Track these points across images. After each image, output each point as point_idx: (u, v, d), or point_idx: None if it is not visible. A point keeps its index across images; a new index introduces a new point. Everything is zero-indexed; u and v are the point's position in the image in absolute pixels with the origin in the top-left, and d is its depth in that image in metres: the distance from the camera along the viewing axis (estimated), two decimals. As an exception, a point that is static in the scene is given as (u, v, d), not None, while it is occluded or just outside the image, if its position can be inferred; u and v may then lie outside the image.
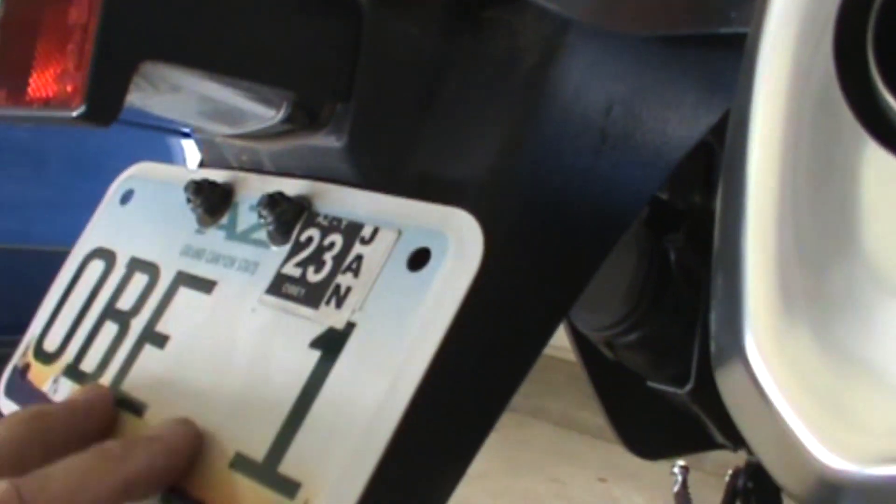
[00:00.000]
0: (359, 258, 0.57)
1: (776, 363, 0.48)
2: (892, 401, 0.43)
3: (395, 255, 0.56)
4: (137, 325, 0.68)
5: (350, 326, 0.55)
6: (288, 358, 0.57)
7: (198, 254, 0.68)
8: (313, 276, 0.59)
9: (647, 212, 1.06)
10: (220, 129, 0.68)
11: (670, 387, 1.08)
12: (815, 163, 0.50)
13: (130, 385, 0.65)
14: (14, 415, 0.57)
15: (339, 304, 0.56)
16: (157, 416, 0.61)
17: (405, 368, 0.51)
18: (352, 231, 0.59)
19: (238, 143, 0.70)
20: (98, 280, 0.74)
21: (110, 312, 0.71)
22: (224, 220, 0.68)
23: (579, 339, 1.12)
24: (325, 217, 0.61)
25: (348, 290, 0.57)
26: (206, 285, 0.65)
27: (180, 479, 0.57)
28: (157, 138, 4.13)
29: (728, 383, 0.53)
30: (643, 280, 1.03)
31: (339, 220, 0.60)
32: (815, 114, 0.50)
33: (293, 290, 0.60)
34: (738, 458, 1.34)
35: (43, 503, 0.49)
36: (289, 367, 0.56)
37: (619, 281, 1.03)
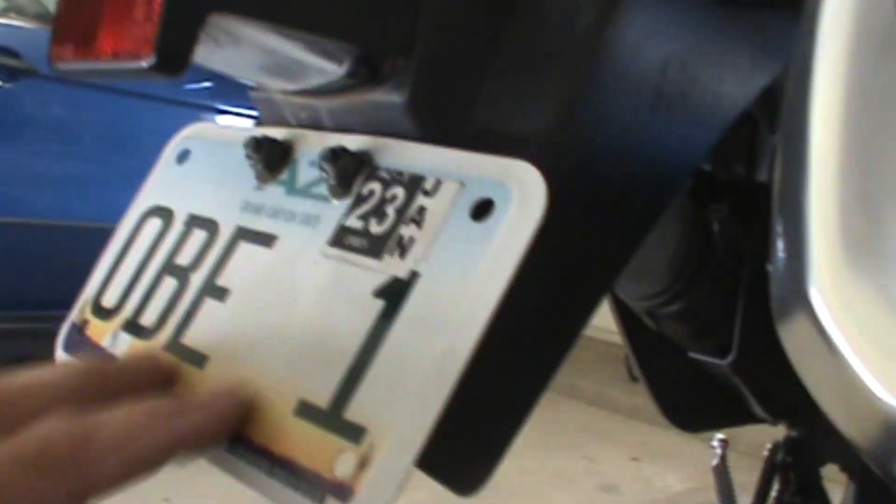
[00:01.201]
0: (421, 210, 0.58)
1: (841, 312, 0.49)
2: None
3: (458, 206, 0.56)
4: (197, 279, 0.68)
5: (414, 276, 0.56)
6: (351, 307, 0.57)
7: (257, 209, 0.68)
8: (376, 228, 0.60)
9: (690, 183, 1.06)
10: (282, 85, 0.68)
11: (712, 358, 1.09)
12: (879, 109, 0.50)
13: (191, 338, 0.66)
14: (71, 363, 0.58)
15: (402, 255, 0.57)
16: (217, 368, 0.62)
17: (469, 316, 0.51)
18: (413, 184, 0.60)
19: (297, 100, 0.70)
20: (156, 237, 0.75)
21: (169, 268, 0.71)
22: (284, 175, 0.69)
23: (621, 309, 1.13)
24: (387, 170, 0.62)
25: (411, 240, 0.57)
26: (266, 239, 0.66)
27: (244, 429, 0.58)
28: (193, 115, 4.15)
29: (791, 333, 0.54)
30: (686, 251, 1.03)
31: (401, 174, 0.61)
32: (880, 59, 0.50)
33: (356, 241, 0.60)
34: (776, 435, 1.34)
35: (91, 449, 0.50)
36: (352, 316, 0.57)
37: (662, 251, 1.03)
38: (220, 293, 0.66)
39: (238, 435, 0.58)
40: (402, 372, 0.53)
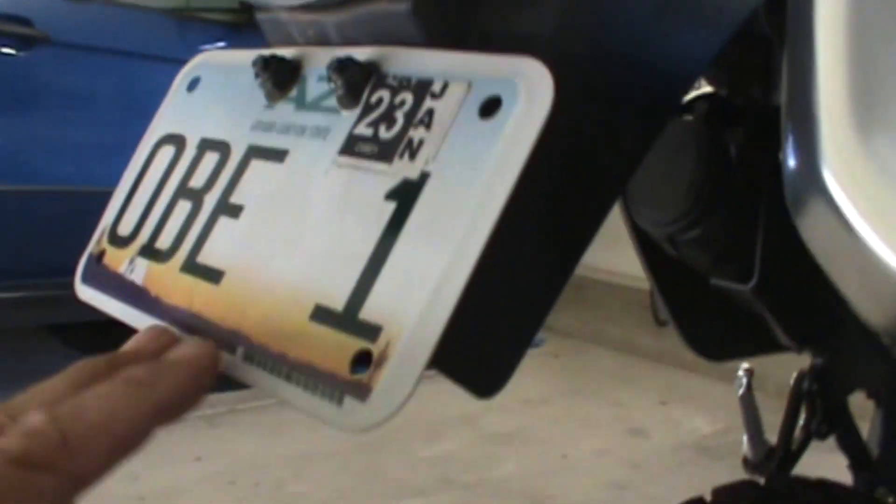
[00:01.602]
0: (430, 112, 0.58)
1: (855, 192, 0.49)
2: None
3: (466, 105, 0.56)
4: (211, 199, 0.68)
5: (424, 176, 0.56)
6: (364, 211, 0.57)
7: (268, 127, 0.68)
8: (385, 134, 0.60)
9: (706, 107, 1.05)
10: (288, 1, 0.68)
11: (734, 284, 1.08)
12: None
13: (206, 256, 0.66)
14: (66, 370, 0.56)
15: (412, 157, 0.57)
16: (233, 282, 0.63)
17: (480, 211, 0.51)
18: (422, 88, 0.59)
19: (304, 17, 0.70)
20: (169, 164, 0.75)
21: (183, 192, 0.72)
22: (293, 92, 0.69)
23: (642, 239, 1.12)
24: (395, 77, 0.62)
25: (421, 142, 0.57)
26: (278, 155, 0.66)
27: (259, 335, 0.58)
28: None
29: (808, 220, 0.54)
30: (704, 175, 1.03)
31: (409, 79, 0.61)
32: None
33: (366, 148, 0.60)
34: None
35: (81, 431, 0.48)
36: (365, 219, 0.57)
37: (679, 176, 1.02)
38: (235, 210, 0.66)
39: (255, 343, 0.58)
40: (417, 270, 0.53)
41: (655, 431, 3.96)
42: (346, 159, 0.61)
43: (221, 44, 4.32)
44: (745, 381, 1.54)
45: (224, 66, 0.78)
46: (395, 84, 0.61)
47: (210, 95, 0.77)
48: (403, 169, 0.57)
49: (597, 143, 0.63)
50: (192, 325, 0.63)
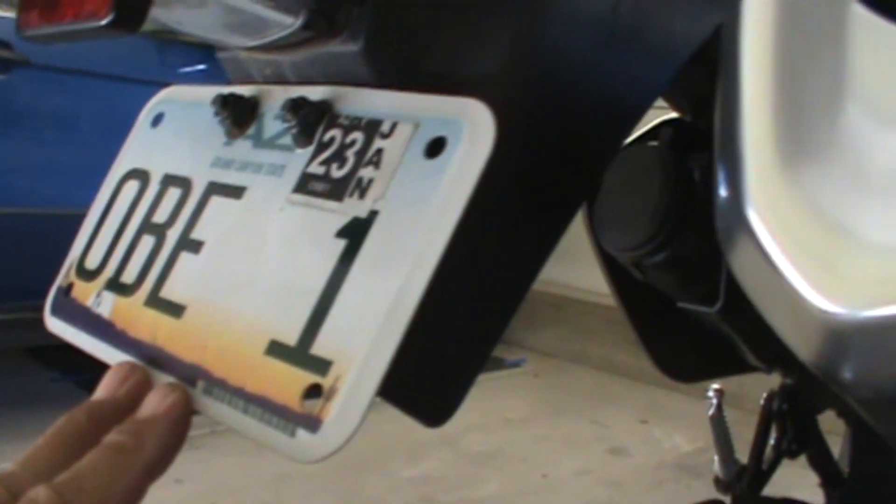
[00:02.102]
0: (379, 151, 0.60)
1: (777, 230, 0.51)
2: (874, 258, 0.46)
3: (413, 145, 0.58)
4: (173, 235, 0.70)
5: (373, 214, 0.58)
6: (316, 248, 0.59)
7: (227, 164, 0.70)
8: (337, 172, 0.62)
9: (671, 133, 1.07)
10: (242, 41, 0.70)
11: (700, 306, 1.10)
12: (805, 45, 0.52)
13: (168, 291, 0.68)
14: (49, 431, 0.59)
15: (361, 195, 0.59)
16: (194, 317, 0.64)
17: (425, 248, 0.53)
18: (372, 127, 0.62)
19: (261, 56, 0.72)
20: (134, 199, 0.77)
21: (147, 227, 0.73)
22: (251, 130, 0.71)
23: (608, 262, 1.14)
24: (347, 117, 0.64)
25: (370, 181, 0.59)
26: (236, 191, 0.68)
27: (218, 369, 0.60)
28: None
29: (737, 257, 0.56)
30: (669, 200, 1.04)
31: (360, 119, 0.63)
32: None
33: (318, 186, 0.62)
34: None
35: (83, 502, 0.51)
36: (317, 257, 0.59)
37: (645, 201, 1.04)
38: (195, 246, 0.68)
39: (214, 379, 0.60)
40: (364, 306, 0.55)
41: (636, 450, 3.97)
42: (299, 197, 0.63)
43: (201, 66, 4.33)
44: (715, 401, 1.56)
45: (187, 103, 0.80)
46: (347, 123, 0.63)
47: (173, 131, 0.79)
48: (353, 207, 0.59)
49: (546, 177, 0.65)
50: (156, 358, 0.65)
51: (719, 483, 1.55)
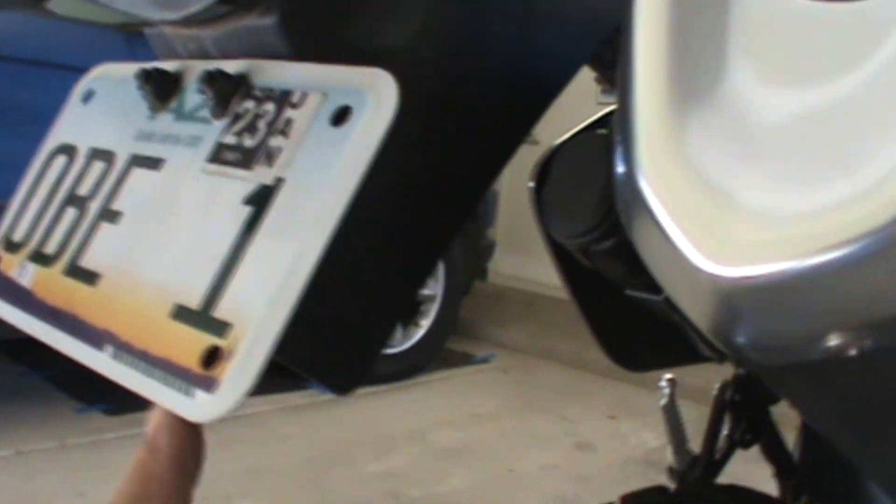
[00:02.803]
0: (288, 121, 0.61)
1: (668, 200, 0.52)
2: (750, 223, 0.47)
3: (320, 114, 0.59)
4: (94, 206, 0.71)
5: (279, 181, 0.59)
6: (224, 215, 0.60)
7: (149, 137, 0.71)
8: (248, 142, 0.63)
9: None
10: (165, 15, 0.71)
11: (647, 294, 1.10)
12: (693, 30, 0.54)
13: (86, 260, 0.69)
14: None
15: (269, 163, 0.60)
16: (108, 284, 0.65)
17: (324, 213, 0.54)
18: (283, 98, 0.62)
19: (184, 32, 0.73)
20: (60, 173, 0.77)
21: (71, 200, 0.74)
22: (173, 104, 0.72)
23: (556, 249, 1.14)
24: (261, 89, 0.65)
25: (278, 149, 0.60)
26: (155, 163, 0.69)
27: (125, 333, 0.61)
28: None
29: (634, 228, 0.57)
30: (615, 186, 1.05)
31: (273, 91, 0.64)
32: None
33: (231, 156, 0.63)
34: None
35: None
36: (224, 224, 0.60)
37: (591, 188, 1.05)
38: (114, 216, 0.69)
39: (119, 342, 0.61)
40: (264, 270, 0.55)
41: (603, 446, 3.99)
42: (213, 166, 0.64)
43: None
44: (667, 391, 1.56)
45: (117, 79, 0.80)
46: (261, 95, 0.64)
47: (102, 107, 0.80)
48: (261, 175, 0.60)
49: (460, 149, 0.66)
50: (70, 325, 0.66)
51: (672, 472, 1.56)
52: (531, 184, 1.03)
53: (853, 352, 0.50)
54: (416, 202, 0.64)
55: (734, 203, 0.49)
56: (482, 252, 5.21)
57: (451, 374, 4.93)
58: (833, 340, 0.49)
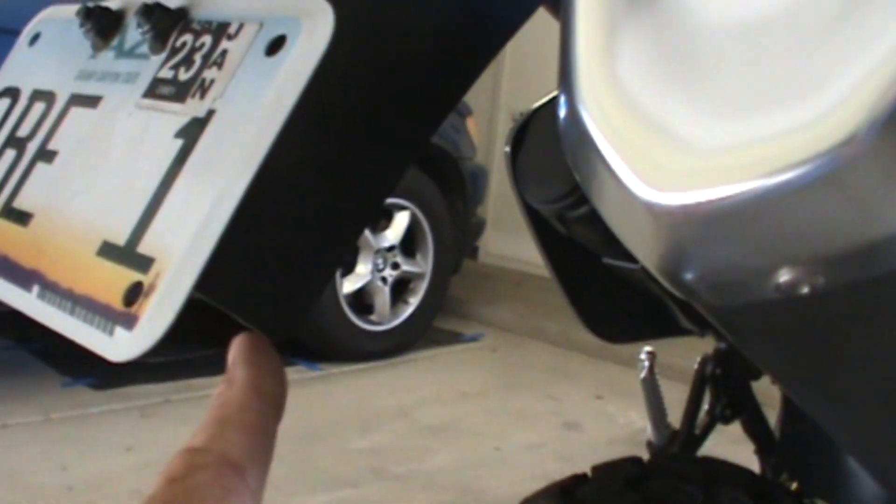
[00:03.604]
0: (224, 52, 0.58)
1: (609, 133, 0.50)
2: (691, 149, 0.46)
3: (255, 44, 0.57)
4: (32, 147, 0.69)
5: (210, 113, 0.56)
6: (155, 150, 0.58)
7: (90, 75, 0.69)
8: (184, 75, 0.60)
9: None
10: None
11: (625, 262, 1.08)
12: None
13: (20, 201, 0.66)
14: None
15: (202, 96, 0.58)
16: (39, 224, 0.63)
17: (252, 146, 0.52)
18: (220, 30, 0.60)
19: (127, -32, 0.70)
20: (3, 115, 0.75)
21: (11, 141, 0.72)
22: (115, 42, 0.69)
23: (532, 216, 1.12)
24: (199, 22, 0.62)
25: (212, 81, 0.58)
26: (93, 101, 0.66)
27: (52, 273, 0.59)
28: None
29: (578, 164, 0.55)
30: (591, 150, 1.03)
31: (210, 23, 0.61)
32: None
33: (166, 90, 0.61)
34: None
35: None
36: (155, 158, 0.57)
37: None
38: (50, 156, 0.67)
39: (48, 281, 0.59)
40: (190, 204, 0.53)
41: (590, 425, 3.98)
42: (147, 101, 0.62)
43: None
44: (646, 364, 1.55)
45: (62, 20, 0.78)
46: (199, 28, 0.62)
47: (46, 49, 0.77)
48: (193, 108, 0.57)
49: (403, 89, 0.63)
50: (1, 268, 0.64)
51: (651, 447, 1.54)
52: (507, 149, 1.00)
53: (805, 290, 0.47)
54: (356, 139, 0.61)
55: (674, 129, 0.47)
56: (472, 230, 5.20)
57: (438, 353, 4.92)
58: (784, 276, 0.47)
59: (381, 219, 4.61)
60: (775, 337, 0.57)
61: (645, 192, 0.47)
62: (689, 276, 0.51)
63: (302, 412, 3.82)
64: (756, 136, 0.44)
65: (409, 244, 4.77)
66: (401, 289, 4.79)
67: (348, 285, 4.49)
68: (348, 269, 4.50)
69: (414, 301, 4.79)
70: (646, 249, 0.52)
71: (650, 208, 0.47)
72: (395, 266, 4.67)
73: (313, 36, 0.53)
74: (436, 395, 4.19)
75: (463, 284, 5.49)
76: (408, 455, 3.56)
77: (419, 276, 4.79)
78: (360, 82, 0.60)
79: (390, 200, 4.48)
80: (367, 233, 4.44)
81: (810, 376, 0.61)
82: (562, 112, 0.54)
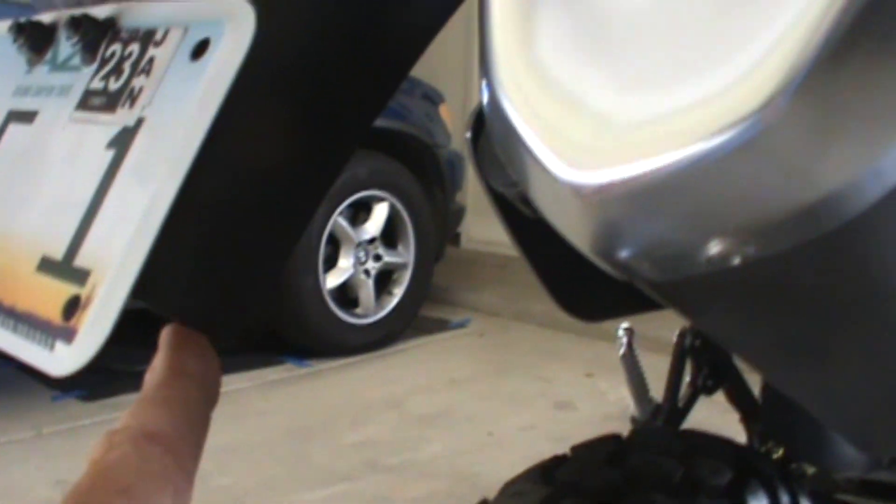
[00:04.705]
0: (151, 59, 0.58)
1: (527, 115, 0.50)
2: (601, 129, 0.46)
3: (181, 50, 0.57)
4: None
5: (140, 122, 0.56)
6: (88, 162, 0.58)
7: (26, 91, 0.69)
8: (113, 85, 0.60)
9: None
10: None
11: (592, 241, 1.08)
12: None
13: (-38, 219, 0.66)
14: None
15: (132, 104, 0.58)
16: (-20, 242, 0.63)
17: (180, 151, 0.52)
18: (147, 37, 0.60)
19: (56, -20, 0.70)
20: (-59, 135, 0.75)
21: None
22: (48, 55, 0.69)
23: (498, 199, 1.12)
24: (127, 31, 0.62)
25: (141, 89, 0.58)
26: (28, 116, 0.66)
27: None
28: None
29: (501, 142, 0.55)
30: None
31: (138, 30, 0.61)
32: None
33: (97, 101, 0.61)
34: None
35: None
36: (88, 170, 0.57)
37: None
38: None
39: None
40: (122, 214, 0.53)
41: (582, 404, 3.98)
42: (80, 114, 0.62)
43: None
44: (625, 340, 1.55)
45: (1, 37, 0.77)
46: (127, 37, 0.62)
47: (-15, 66, 0.77)
48: (124, 117, 0.58)
49: (336, 88, 0.63)
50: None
51: (635, 423, 1.54)
52: (467, 134, 1.00)
53: (736, 260, 0.47)
54: (289, 134, 0.61)
55: (590, 107, 0.47)
56: (452, 217, 5.20)
57: (426, 341, 4.91)
58: (714, 248, 0.47)
59: (361, 212, 4.61)
60: (719, 308, 0.57)
61: (567, 172, 0.47)
62: (620, 254, 0.51)
63: (293, 409, 3.82)
64: (673, 108, 0.44)
65: (390, 235, 4.76)
66: (385, 280, 4.79)
67: (332, 280, 4.48)
68: (331, 264, 4.49)
69: (398, 292, 4.78)
70: (576, 231, 0.52)
71: (574, 188, 0.47)
72: (378, 258, 4.66)
73: (236, 37, 0.53)
74: (426, 383, 4.19)
75: (447, 272, 5.49)
76: (401, 446, 3.56)
77: (402, 267, 4.79)
78: (294, 79, 0.60)
79: (368, 193, 4.48)
80: (347, 226, 4.44)
81: (762, 347, 0.61)
82: (484, 99, 0.54)
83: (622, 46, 0.47)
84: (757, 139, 0.42)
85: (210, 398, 0.58)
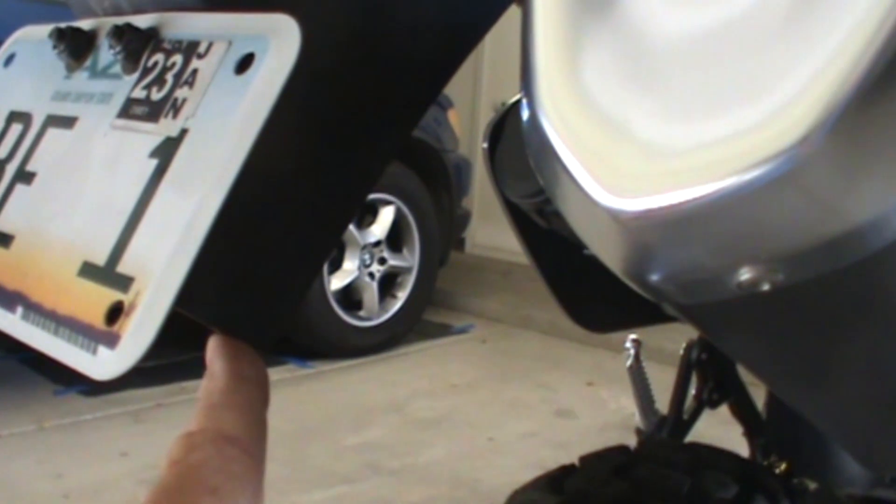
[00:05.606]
0: (195, 71, 0.60)
1: (565, 133, 0.51)
2: (649, 154, 0.48)
3: (225, 63, 0.58)
4: (11, 169, 0.70)
5: (183, 132, 0.57)
6: (131, 170, 0.59)
7: (65, 96, 0.70)
8: (156, 95, 0.61)
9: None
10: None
11: (605, 253, 1.09)
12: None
13: (1, 222, 0.67)
14: None
15: (175, 115, 0.59)
16: (21, 245, 0.64)
17: (225, 162, 0.53)
18: (190, 49, 0.61)
19: (97, -12, 0.72)
20: (-19, 138, 0.76)
21: None
22: (88, 62, 0.70)
23: (513, 210, 1.13)
24: (170, 41, 0.63)
25: (184, 101, 0.59)
26: (69, 122, 0.68)
27: (35, 294, 0.60)
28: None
29: (544, 174, 0.56)
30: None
31: (181, 42, 0.62)
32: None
33: (139, 110, 0.62)
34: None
35: None
36: (131, 178, 0.58)
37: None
38: (29, 177, 0.68)
39: (28, 301, 0.60)
40: (166, 223, 0.54)
41: (582, 412, 4.00)
42: (122, 122, 0.63)
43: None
44: (632, 352, 1.56)
45: (36, 41, 0.79)
46: (170, 47, 0.63)
47: (22, 69, 0.78)
48: (167, 127, 0.59)
49: (373, 100, 0.65)
50: (-15, 291, 0.65)
51: (640, 434, 1.55)
52: (484, 144, 1.01)
53: (766, 286, 0.49)
54: (330, 148, 0.62)
55: (632, 134, 0.48)
56: (457, 222, 5.21)
57: (429, 346, 4.93)
58: (745, 275, 0.48)
59: (367, 214, 4.62)
60: (743, 330, 0.58)
61: (605, 197, 0.48)
62: (652, 277, 0.52)
63: (294, 410, 3.83)
64: (713, 139, 0.45)
65: (396, 239, 4.78)
66: (389, 283, 4.80)
67: (336, 282, 4.50)
68: (335, 266, 4.50)
69: (402, 295, 4.80)
70: (610, 253, 0.54)
71: (611, 213, 0.48)
72: (382, 261, 4.68)
73: (281, 53, 0.54)
74: (428, 388, 4.20)
75: (450, 277, 5.50)
76: (402, 449, 3.57)
77: (406, 270, 4.80)
78: (332, 92, 0.61)
79: (375, 196, 4.49)
80: (352, 229, 4.45)
81: (781, 367, 0.63)
82: (524, 117, 0.55)
83: (665, 76, 0.48)
84: (792, 173, 0.44)
85: (266, 400, 0.59)
